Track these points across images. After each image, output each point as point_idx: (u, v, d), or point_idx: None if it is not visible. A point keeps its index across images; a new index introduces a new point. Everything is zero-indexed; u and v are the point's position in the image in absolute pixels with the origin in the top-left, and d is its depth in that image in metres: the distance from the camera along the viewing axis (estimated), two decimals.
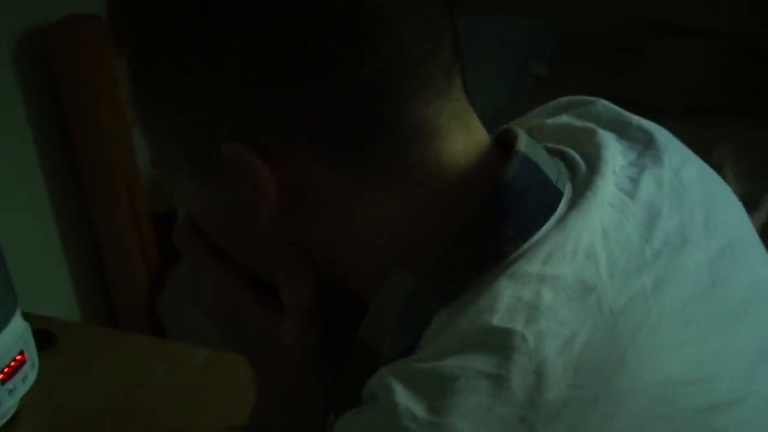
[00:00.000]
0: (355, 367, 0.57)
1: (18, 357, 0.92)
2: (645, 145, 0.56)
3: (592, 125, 0.57)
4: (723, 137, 1.84)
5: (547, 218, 0.50)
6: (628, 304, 0.48)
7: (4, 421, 0.94)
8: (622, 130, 0.56)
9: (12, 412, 0.95)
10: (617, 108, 0.60)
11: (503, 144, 0.53)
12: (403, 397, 0.44)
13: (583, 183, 0.52)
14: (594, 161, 0.53)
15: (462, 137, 0.52)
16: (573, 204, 0.50)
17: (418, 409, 0.43)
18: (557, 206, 0.50)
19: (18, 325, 0.93)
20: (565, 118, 0.59)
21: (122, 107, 1.59)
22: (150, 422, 0.96)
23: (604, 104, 0.60)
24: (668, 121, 1.71)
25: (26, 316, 0.96)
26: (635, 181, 0.53)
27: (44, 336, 1.03)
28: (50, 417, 0.98)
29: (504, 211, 0.49)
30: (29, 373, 0.94)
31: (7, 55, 1.54)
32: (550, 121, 0.59)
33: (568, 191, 0.51)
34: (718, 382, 0.50)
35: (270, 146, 0.51)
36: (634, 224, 0.51)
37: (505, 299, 0.47)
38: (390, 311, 0.53)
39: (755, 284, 0.55)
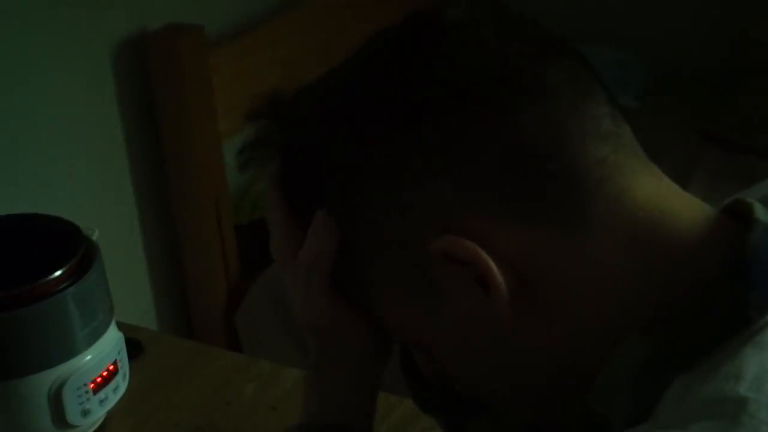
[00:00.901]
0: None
1: (110, 367, 0.93)
2: None
3: None
4: None
5: None
6: None
7: (93, 428, 0.95)
8: None
9: (100, 422, 0.96)
10: None
11: (730, 212, 0.53)
12: None
13: None
14: None
15: (651, 178, 0.52)
16: None
17: None
18: None
19: (113, 334, 0.94)
20: None
21: (216, 119, 1.63)
22: None
23: None
24: (757, 163, 1.64)
25: (118, 325, 0.97)
26: None
27: (134, 346, 1.04)
28: (135, 429, 0.99)
29: (751, 278, 0.49)
30: (120, 384, 0.94)
31: (107, 62, 1.58)
32: None
33: None
34: None
35: (470, 230, 0.52)
36: None
37: (753, 368, 0.46)
38: (622, 378, 0.53)
39: None
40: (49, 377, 0.89)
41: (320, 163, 0.57)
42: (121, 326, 1.00)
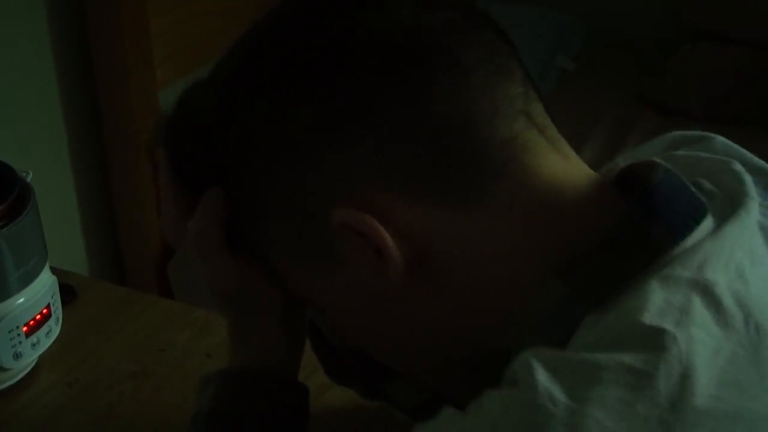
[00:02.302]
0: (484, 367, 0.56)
1: (44, 310, 0.92)
2: (764, 187, 0.56)
3: (724, 157, 0.57)
4: (746, 148, 1.91)
5: (698, 223, 0.50)
6: None
7: (22, 375, 0.95)
8: (744, 167, 0.57)
9: (32, 366, 0.95)
10: (735, 145, 0.60)
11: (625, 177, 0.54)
12: (543, 377, 0.44)
13: (730, 206, 0.52)
14: (738, 187, 0.53)
15: (558, 156, 0.54)
16: (726, 219, 0.50)
17: (558, 392, 0.44)
18: (704, 217, 0.50)
19: (47, 278, 0.93)
20: (691, 152, 0.59)
21: (152, 67, 1.63)
22: (169, 387, 0.95)
23: (722, 141, 0.60)
24: (691, 126, 1.68)
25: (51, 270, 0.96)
26: None
27: (66, 291, 1.03)
28: (68, 374, 0.98)
29: (655, 212, 0.50)
30: (53, 328, 0.94)
31: (42, 2, 1.57)
32: (679, 153, 0.59)
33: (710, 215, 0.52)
34: None
35: (373, 202, 0.52)
36: None
37: (657, 301, 0.47)
38: (539, 317, 0.53)
39: None
40: None
41: (224, 132, 0.57)
42: (56, 272, 0.98)
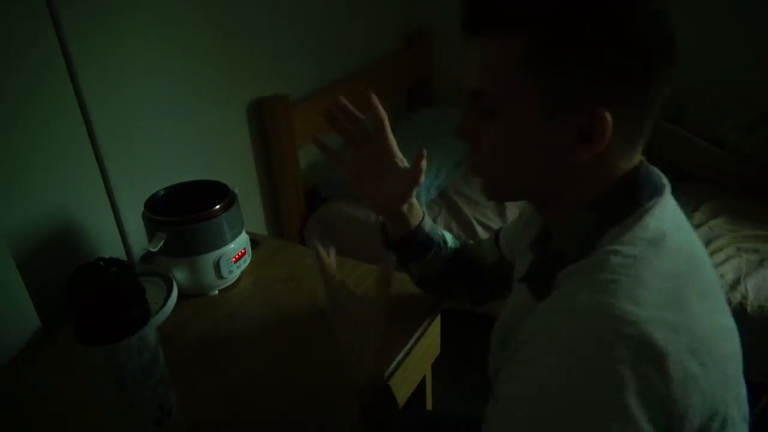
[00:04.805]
0: (547, 264, 0.75)
1: (242, 251, 1.35)
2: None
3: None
4: None
5: (660, 196, 0.72)
6: (688, 263, 0.68)
7: (234, 279, 1.37)
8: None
9: (237, 276, 1.38)
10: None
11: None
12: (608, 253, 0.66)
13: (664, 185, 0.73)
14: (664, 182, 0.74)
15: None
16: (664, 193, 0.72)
17: (618, 254, 0.66)
18: (662, 193, 0.72)
19: (243, 236, 1.37)
20: None
21: (294, 140, 2.14)
22: (310, 293, 1.31)
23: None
24: None
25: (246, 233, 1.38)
26: None
27: (254, 242, 1.49)
28: (255, 282, 1.39)
29: (639, 186, 0.72)
30: (247, 259, 1.38)
31: (244, 112, 2.09)
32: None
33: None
34: (732, 343, 0.69)
35: (609, 114, 0.67)
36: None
37: (651, 223, 0.69)
38: (576, 231, 0.71)
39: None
40: (214, 254, 1.30)
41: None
42: (247, 233, 1.40)
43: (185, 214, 1.27)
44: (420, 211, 1.08)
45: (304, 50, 2.26)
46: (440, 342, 1.37)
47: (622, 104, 0.66)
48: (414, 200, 1.06)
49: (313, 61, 2.31)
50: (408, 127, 2.69)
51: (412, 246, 1.08)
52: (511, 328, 0.79)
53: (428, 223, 1.10)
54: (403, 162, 1.03)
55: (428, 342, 1.29)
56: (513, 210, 2.28)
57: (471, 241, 1.20)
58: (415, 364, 1.23)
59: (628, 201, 0.71)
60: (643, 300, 0.62)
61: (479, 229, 2.23)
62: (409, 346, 1.15)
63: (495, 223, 2.24)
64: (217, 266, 1.30)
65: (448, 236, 1.16)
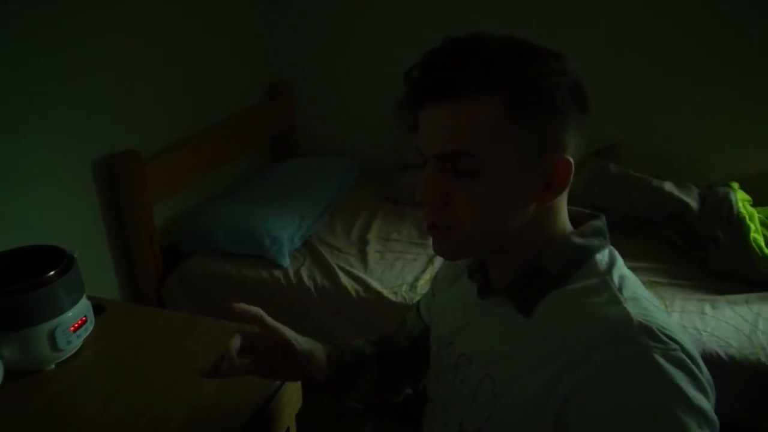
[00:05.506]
0: (531, 281, 0.81)
1: (82, 318, 1.27)
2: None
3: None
4: None
5: (606, 241, 0.84)
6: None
7: (74, 351, 1.28)
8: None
9: (77, 346, 1.29)
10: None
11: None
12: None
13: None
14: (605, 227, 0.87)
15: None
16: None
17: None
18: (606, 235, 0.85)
19: (84, 303, 1.29)
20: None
21: (148, 195, 2.14)
22: (162, 356, 1.26)
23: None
24: (413, 209, 2.74)
25: (89, 297, 1.32)
26: None
27: (100, 307, 1.42)
28: (99, 351, 1.32)
29: (602, 231, 0.84)
30: (89, 327, 1.29)
31: (90, 171, 2.08)
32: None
33: None
34: None
35: (570, 160, 0.77)
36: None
37: (606, 255, 0.81)
38: (564, 251, 0.80)
39: None
40: (48, 325, 1.21)
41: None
42: (91, 297, 1.34)
43: (13, 283, 1.19)
44: (324, 347, 1.08)
45: (156, 103, 2.23)
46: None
47: (573, 151, 0.75)
48: (312, 345, 1.05)
49: (167, 113, 2.30)
50: (275, 175, 2.73)
51: (342, 381, 1.07)
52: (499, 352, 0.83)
53: (339, 351, 1.10)
54: (295, 339, 1.02)
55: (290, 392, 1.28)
56: (388, 255, 2.32)
57: (384, 334, 1.21)
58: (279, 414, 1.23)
59: (596, 235, 0.83)
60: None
61: (342, 276, 2.25)
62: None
63: (358, 270, 2.27)
64: (51, 338, 1.21)
65: (360, 343, 1.15)
